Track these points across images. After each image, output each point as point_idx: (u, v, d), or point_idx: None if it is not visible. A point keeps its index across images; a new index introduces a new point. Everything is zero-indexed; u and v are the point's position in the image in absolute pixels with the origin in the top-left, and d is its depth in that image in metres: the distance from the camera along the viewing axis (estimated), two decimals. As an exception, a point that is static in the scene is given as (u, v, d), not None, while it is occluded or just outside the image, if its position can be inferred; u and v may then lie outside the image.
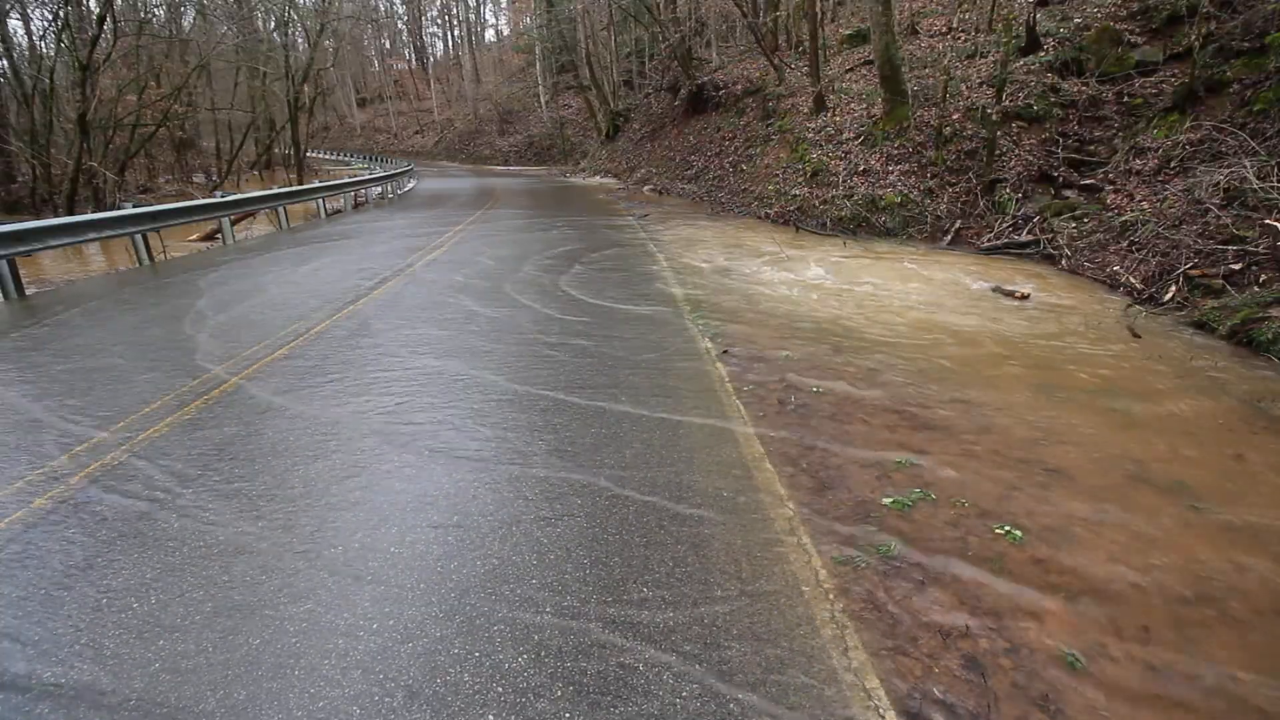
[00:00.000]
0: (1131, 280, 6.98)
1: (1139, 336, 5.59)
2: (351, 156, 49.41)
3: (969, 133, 11.35)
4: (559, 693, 1.90)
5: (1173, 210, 7.34)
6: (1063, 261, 8.26)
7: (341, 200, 17.49)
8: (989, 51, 12.92)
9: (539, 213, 15.50)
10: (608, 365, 4.70)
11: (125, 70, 19.47)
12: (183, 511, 2.82)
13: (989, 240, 9.67)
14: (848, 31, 18.72)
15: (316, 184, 17.61)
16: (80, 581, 2.38)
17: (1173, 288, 6.47)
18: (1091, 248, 8.08)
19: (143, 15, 22.89)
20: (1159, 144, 8.71)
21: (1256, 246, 6.08)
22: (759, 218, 13.47)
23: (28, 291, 7.64)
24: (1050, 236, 8.85)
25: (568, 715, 1.83)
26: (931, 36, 15.27)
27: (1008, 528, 2.81)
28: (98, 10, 16.79)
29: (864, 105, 13.95)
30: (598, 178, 27.46)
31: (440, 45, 69.96)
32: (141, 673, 1.97)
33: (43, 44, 19.11)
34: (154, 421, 3.74)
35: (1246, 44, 8.35)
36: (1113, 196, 8.66)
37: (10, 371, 4.69)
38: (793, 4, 19.74)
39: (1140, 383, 4.57)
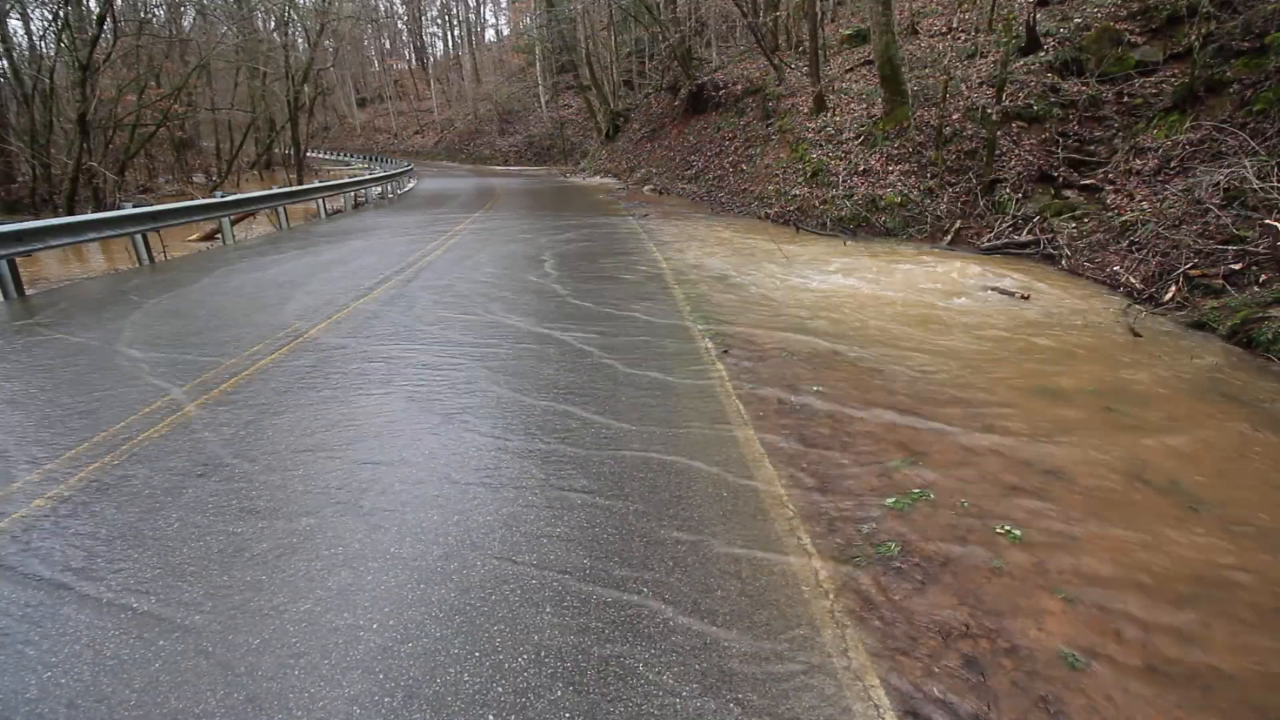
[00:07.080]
0: (1131, 280, 6.97)
1: (1139, 336, 5.59)
2: (351, 156, 49.40)
3: (969, 133, 11.35)
4: (559, 692, 1.90)
5: (1173, 210, 7.34)
6: (1063, 261, 8.25)
7: (342, 200, 17.51)
8: (989, 51, 12.91)
9: (539, 213, 15.50)
10: (605, 365, 4.70)
11: (125, 70, 19.51)
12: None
13: (989, 240, 9.67)
14: (848, 31, 18.72)
15: (316, 184, 17.62)
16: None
17: (1173, 288, 6.46)
18: (1091, 248, 8.08)
19: (143, 15, 22.94)
20: (1159, 144, 8.70)
21: (1256, 246, 6.08)
22: (759, 218, 13.46)
23: (28, 291, 7.64)
24: (1050, 236, 8.84)
25: (568, 715, 1.83)
26: (931, 36, 15.27)
27: (1007, 527, 2.81)
28: (98, 10, 16.81)
29: (864, 105, 13.94)
30: (598, 178, 27.45)
31: (440, 45, 69.98)
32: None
33: (43, 44, 19.17)
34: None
35: (1246, 44, 8.34)
36: (1113, 196, 8.66)
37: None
38: (793, 4, 19.73)
39: (1140, 383, 4.57)
